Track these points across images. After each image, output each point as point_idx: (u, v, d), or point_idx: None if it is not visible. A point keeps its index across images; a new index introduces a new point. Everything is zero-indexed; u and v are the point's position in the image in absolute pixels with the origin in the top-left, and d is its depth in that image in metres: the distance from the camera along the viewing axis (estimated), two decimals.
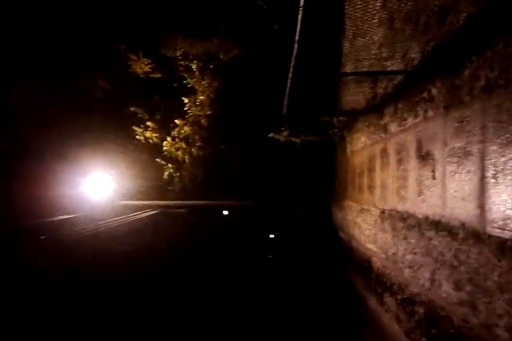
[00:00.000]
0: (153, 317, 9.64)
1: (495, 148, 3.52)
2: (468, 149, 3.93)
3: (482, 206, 3.74)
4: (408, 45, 5.55)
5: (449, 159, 4.36)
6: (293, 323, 9.64)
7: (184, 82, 15.28)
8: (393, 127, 6.45)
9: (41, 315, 7.88)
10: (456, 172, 4.20)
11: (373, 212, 7.81)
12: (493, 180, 3.57)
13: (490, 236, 3.62)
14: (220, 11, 13.58)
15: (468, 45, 3.86)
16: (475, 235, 3.85)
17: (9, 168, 12.66)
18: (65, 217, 12.70)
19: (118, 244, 11.42)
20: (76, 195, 14.68)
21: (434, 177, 4.76)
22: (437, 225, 4.66)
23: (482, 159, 3.71)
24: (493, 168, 3.56)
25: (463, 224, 4.07)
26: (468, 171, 3.95)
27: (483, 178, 3.70)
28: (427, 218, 4.98)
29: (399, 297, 6.18)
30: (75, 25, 13.31)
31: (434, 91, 4.73)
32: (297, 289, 11.13)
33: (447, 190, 4.42)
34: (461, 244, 4.08)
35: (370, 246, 8.11)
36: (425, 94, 4.99)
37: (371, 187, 8.05)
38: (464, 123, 4.01)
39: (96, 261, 10.05)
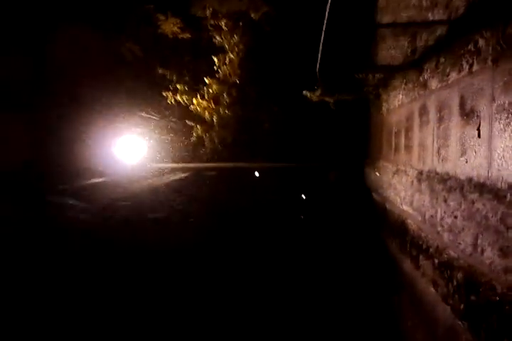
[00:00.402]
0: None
1: None
2: None
3: None
4: None
5: (497, 116, 4.02)
6: (326, 287, 9.58)
7: (214, 41, 14.92)
8: (434, 83, 6.06)
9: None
10: (505, 131, 3.87)
11: (410, 173, 7.51)
12: None
13: None
14: None
15: None
16: None
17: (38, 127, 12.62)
18: (95, 181, 12.72)
19: (148, 210, 11.42)
20: (107, 157, 14.69)
21: (479, 136, 4.43)
22: (482, 187, 4.36)
23: None
24: None
25: (511, 187, 3.77)
26: None
27: None
28: (470, 180, 4.67)
29: (436, 261, 5.95)
30: None
31: (481, 42, 4.33)
32: (330, 251, 11.02)
33: (494, 150, 4.09)
34: (509, 207, 3.78)
35: (405, 208, 7.85)
36: (471, 46, 4.59)
37: (408, 147, 7.72)
38: None
39: (123, 228, 10.07)
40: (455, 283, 5.17)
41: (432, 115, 6.15)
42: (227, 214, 12.88)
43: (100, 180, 12.99)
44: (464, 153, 4.86)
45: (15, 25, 11.86)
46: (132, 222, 10.36)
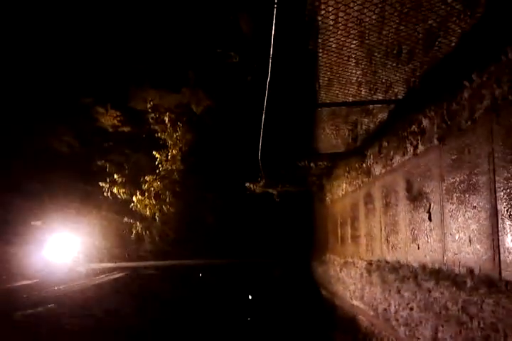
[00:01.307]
0: None
1: (507, 175, 2.97)
2: (473, 182, 3.39)
3: (496, 247, 3.14)
4: (390, 79, 5.15)
5: (447, 196, 3.81)
6: None
7: (156, 135, 14.85)
8: (378, 169, 5.95)
9: None
10: (458, 210, 3.64)
11: (359, 265, 7.17)
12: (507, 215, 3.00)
13: (508, 282, 3.00)
14: (190, 62, 13.40)
15: (466, 63, 3.42)
16: (488, 282, 3.23)
17: None
18: (24, 283, 11.79)
19: (77, 314, 10.42)
20: (38, 257, 13.81)
21: (430, 219, 4.19)
22: (438, 274, 4.04)
23: (492, 191, 3.15)
24: (506, 201, 3.00)
25: (471, 271, 3.46)
26: (475, 207, 3.39)
27: (495, 214, 3.12)
28: (424, 267, 4.36)
29: None
30: (39, 77, 12.94)
31: (425, 122, 4.26)
32: None
33: (448, 232, 3.84)
34: (471, 294, 3.44)
35: (356, 302, 7.41)
36: (415, 127, 4.51)
37: (355, 238, 7.45)
38: (466, 152, 3.48)
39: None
40: None
41: (378, 202, 5.96)
42: (163, 316, 11.92)
43: (29, 281, 12.02)
44: (415, 238, 4.60)
45: None
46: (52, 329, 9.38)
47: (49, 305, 10.00)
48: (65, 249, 14.67)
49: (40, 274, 12.92)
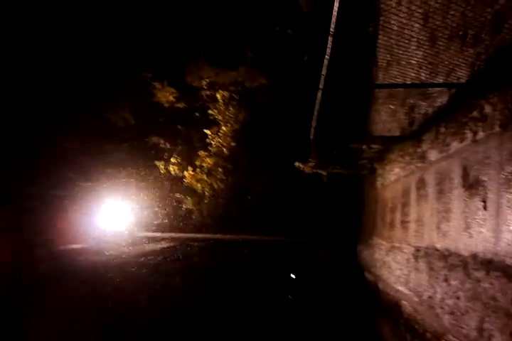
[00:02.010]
0: None
1: None
2: None
3: None
4: (453, 62, 5.00)
5: (505, 186, 3.71)
6: None
7: (209, 111, 14.98)
8: (433, 154, 5.82)
9: None
10: None
11: (406, 250, 7.09)
12: None
13: None
14: (247, 40, 13.34)
15: None
16: None
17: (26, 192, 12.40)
18: (77, 246, 12.29)
19: (126, 279, 10.82)
20: (91, 223, 14.35)
21: (485, 208, 4.09)
22: (489, 264, 3.96)
23: None
24: None
25: None
26: None
27: None
28: (475, 256, 4.28)
29: None
30: (99, 52, 13.19)
31: (487, 108, 4.12)
32: (319, 335, 10.31)
33: (503, 223, 3.74)
34: None
35: (400, 288, 7.35)
36: (476, 113, 4.37)
37: (404, 223, 7.36)
38: None
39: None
40: None
41: (431, 188, 5.85)
42: (208, 288, 12.18)
43: (82, 245, 12.54)
44: (467, 227, 4.50)
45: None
46: (101, 292, 9.82)
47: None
48: (117, 217, 15.19)
49: (94, 239, 13.44)
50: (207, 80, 14.25)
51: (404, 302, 7.07)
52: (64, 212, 13.49)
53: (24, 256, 10.79)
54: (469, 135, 4.55)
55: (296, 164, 10.73)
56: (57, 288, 8.93)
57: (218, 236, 14.59)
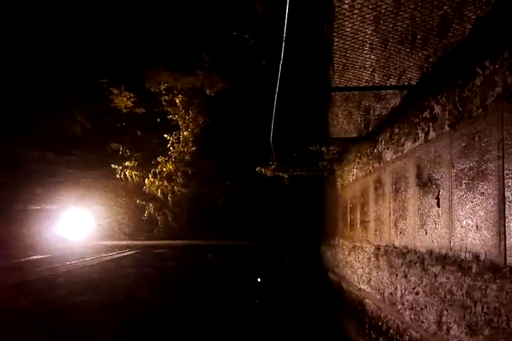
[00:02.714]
0: None
1: None
2: (482, 168, 3.42)
3: (502, 233, 3.19)
4: (404, 65, 5.14)
5: (456, 182, 3.84)
6: None
7: (168, 117, 14.90)
8: (389, 154, 5.97)
9: None
10: (466, 197, 3.68)
11: (367, 249, 7.23)
12: None
13: None
14: (205, 45, 13.35)
15: (480, 50, 3.42)
16: (493, 268, 3.28)
17: None
18: (36, 257, 12.04)
19: (82, 287, 10.63)
20: (51, 234, 14.08)
21: (438, 205, 4.23)
22: (444, 259, 4.09)
23: (500, 178, 3.18)
24: None
25: (477, 257, 3.51)
26: (483, 194, 3.42)
27: (503, 200, 3.16)
28: (431, 252, 4.42)
29: None
30: (55, 58, 12.97)
31: (437, 108, 4.27)
32: (286, 336, 10.35)
33: (456, 219, 3.88)
34: (475, 279, 3.50)
35: (363, 286, 7.48)
36: (426, 113, 4.53)
37: (364, 223, 7.50)
38: (476, 139, 3.51)
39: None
40: None
41: (388, 187, 5.99)
42: (170, 294, 12.06)
43: (41, 256, 12.26)
44: (423, 224, 4.64)
45: None
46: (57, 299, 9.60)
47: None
48: (78, 226, 14.94)
49: (54, 249, 13.17)
50: (165, 85, 14.17)
51: (367, 300, 7.18)
52: (24, 222, 13.20)
53: None
54: (421, 135, 4.69)
55: (258, 169, 10.79)
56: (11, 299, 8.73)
57: (183, 242, 14.51)
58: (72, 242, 14.26)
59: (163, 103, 14.73)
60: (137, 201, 15.47)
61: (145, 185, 15.08)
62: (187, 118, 14.60)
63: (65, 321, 9.20)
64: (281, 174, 10.79)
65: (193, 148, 14.88)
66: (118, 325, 9.46)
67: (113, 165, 14.96)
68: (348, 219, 8.95)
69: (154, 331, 10.04)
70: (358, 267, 7.88)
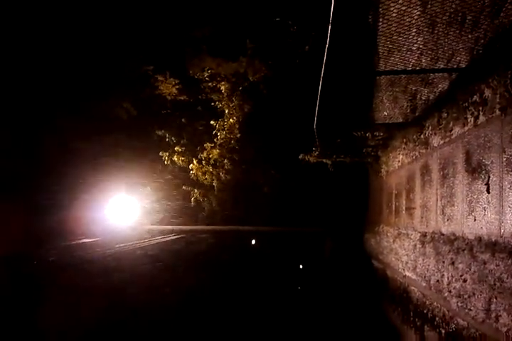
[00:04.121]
0: None
1: None
2: None
3: None
4: (453, 48, 5.01)
5: (508, 168, 3.75)
6: None
7: (212, 104, 15.01)
8: (436, 140, 5.86)
9: None
10: None
11: (412, 236, 7.14)
12: None
13: None
14: (248, 31, 13.31)
15: None
16: None
17: (33, 191, 12.46)
18: (86, 240, 12.40)
19: (131, 267, 10.94)
20: (100, 218, 14.45)
21: (488, 191, 4.14)
22: (494, 246, 4.01)
23: None
24: None
25: None
26: None
27: None
28: (480, 239, 4.33)
29: (443, 331, 5.47)
30: (101, 45, 13.18)
31: (487, 92, 4.15)
32: (329, 323, 10.37)
33: (506, 205, 3.79)
34: None
35: (408, 273, 7.41)
36: (476, 97, 4.41)
37: (410, 209, 7.41)
38: None
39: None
40: None
41: (435, 173, 5.89)
42: (214, 279, 12.25)
43: (91, 240, 12.63)
44: (471, 210, 4.55)
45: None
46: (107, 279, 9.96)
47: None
48: (126, 211, 15.30)
49: (103, 234, 13.54)
50: (209, 72, 14.23)
51: (412, 287, 7.12)
52: (73, 206, 13.56)
53: (34, 247, 10.91)
54: (471, 119, 4.59)
55: (301, 156, 10.75)
56: (67, 279, 9.02)
57: (227, 227, 14.66)
58: (121, 227, 14.62)
59: (207, 90, 14.83)
60: (183, 187, 15.71)
61: (191, 170, 15.30)
62: (231, 105, 14.66)
63: (122, 297, 9.58)
64: (324, 160, 10.72)
65: (238, 135, 14.96)
66: (168, 300, 9.98)
67: (161, 153, 15.23)
68: (393, 206, 8.86)
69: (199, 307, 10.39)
70: (403, 254, 7.80)
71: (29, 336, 7.77)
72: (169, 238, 14.18)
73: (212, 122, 14.96)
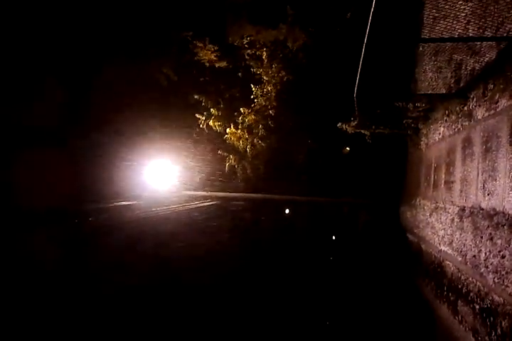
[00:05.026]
0: None
1: None
2: None
3: None
4: (502, 16, 4.80)
5: None
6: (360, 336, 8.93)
7: (251, 70, 14.94)
8: (480, 112, 5.67)
9: None
10: None
11: (450, 210, 7.02)
12: None
13: None
14: None
15: None
16: None
17: (75, 154, 12.72)
18: (124, 203, 12.69)
19: (167, 228, 11.19)
20: (138, 181, 14.75)
21: None
22: None
23: None
24: None
25: None
26: None
27: None
28: None
29: (477, 306, 5.41)
30: (142, 11, 13.17)
31: None
32: (360, 296, 10.37)
33: None
34: None
35: (444, 248, 7.32)
36: None
37: (449, 183, 7.26)
38: None
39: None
40: (499, 331, 4.63)
41: (477, 147, 5.73)
42: (245, 245, 12.37)
43: (128, 202, 12.95)
44: None
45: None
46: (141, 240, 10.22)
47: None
48: (162, 176, 15.57)
49: (140, 197, 13.84)
50: (248, 39, 14.15)
51: (447, 262, 7.04)
52: (115, 166, 13.86)
53: (76, 205, 11.25)
54: None
55: (339, 125, 10.60)
56: (110, 239, 9.30)
57: (260, 195, 14.74)
58: (157, 191, 14.92)
59: (246, 57, 14.75)
60: (219, 152, 15.83)
61: (227, 134, 15.37)
62: (270, 72, 14.56)
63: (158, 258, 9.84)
64: (362, 131, 10.56)
65: (275, 103, 14.90)
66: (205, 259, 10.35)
67: (197, 115, 15.31)
68: (431, 179, 8.70)
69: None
70: (440, 228, 7.69)
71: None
72: (203, 204, 14.40)
73: (252, 87, 14.92)
